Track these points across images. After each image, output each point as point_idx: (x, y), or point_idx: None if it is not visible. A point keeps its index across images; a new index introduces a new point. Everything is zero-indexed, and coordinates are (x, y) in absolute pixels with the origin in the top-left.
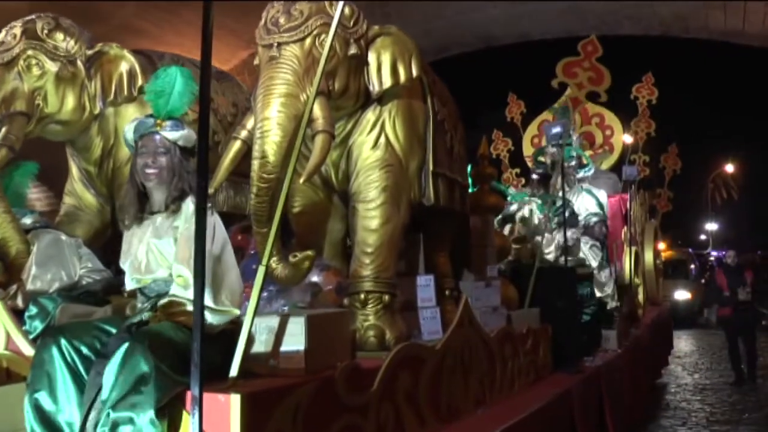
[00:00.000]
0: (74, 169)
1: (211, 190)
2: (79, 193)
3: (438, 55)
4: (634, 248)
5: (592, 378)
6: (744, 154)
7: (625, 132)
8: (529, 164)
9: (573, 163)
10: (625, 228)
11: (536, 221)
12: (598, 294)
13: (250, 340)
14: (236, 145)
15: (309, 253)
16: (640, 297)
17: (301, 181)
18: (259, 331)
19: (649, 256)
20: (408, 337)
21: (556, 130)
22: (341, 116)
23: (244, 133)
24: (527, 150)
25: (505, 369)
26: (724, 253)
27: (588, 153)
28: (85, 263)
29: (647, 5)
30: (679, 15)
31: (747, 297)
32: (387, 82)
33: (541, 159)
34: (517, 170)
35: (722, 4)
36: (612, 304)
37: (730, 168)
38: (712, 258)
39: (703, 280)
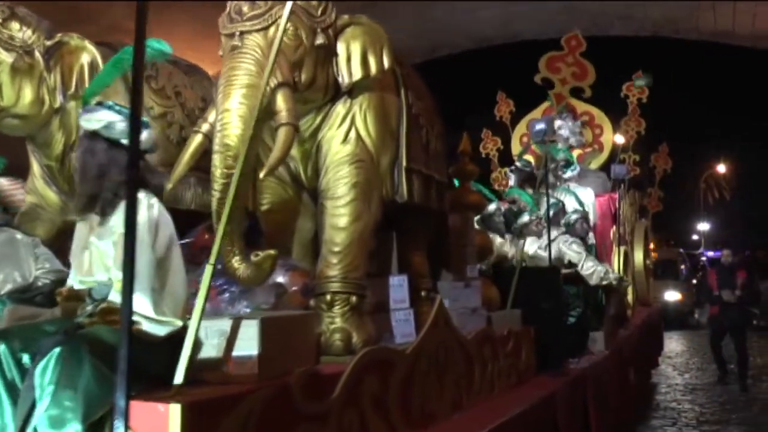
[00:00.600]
0: (35, 166)
1: (169, 186)
2: (41, 190)
3: (428, 56)
4: (623, 248)
5: (578, 380)
6: (736, 154)
7: (615, 131)
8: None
9: (561, 162)
10: (614, 228)
11: (525, 219)
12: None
13: (198, 345)
14: (197, 139)
15: (271, 252)
16: (630, 297)
17: (261, 176)
18: (209, 336)
19: (639, 257)
20: (377, 341)
21: (540, 126)
22: (309, 109)
23: (205, 127)
24: (516, 149)
25: (484, 372)
26: (719, 252)
27: (577, 152)
28: (42, 264)
29: (639, 6)
30: (670, 16)
31: (731, 298)
32: (357, 73)
33: (527, 158)
34: (506, 169)
35: (711, 5)
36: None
37: (722, 168)
38: (704, 258)
39: (694, 281)
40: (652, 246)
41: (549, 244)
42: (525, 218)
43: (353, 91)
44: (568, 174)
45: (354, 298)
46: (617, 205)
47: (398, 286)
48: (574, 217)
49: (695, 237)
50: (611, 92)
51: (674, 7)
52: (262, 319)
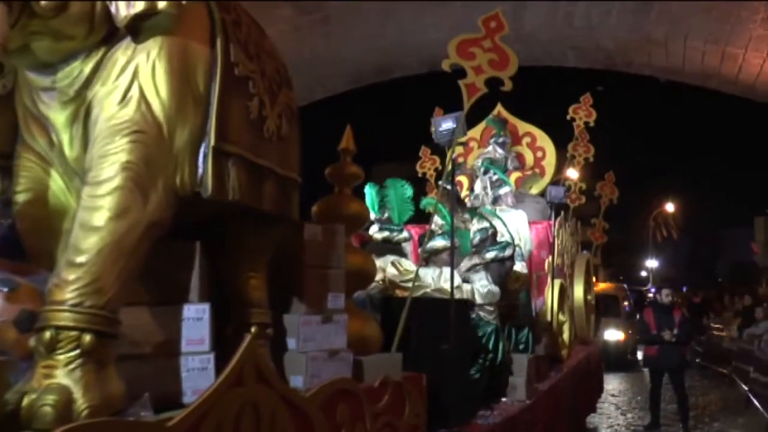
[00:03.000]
0: None
1: None
2: None
3: (381, 77)
4: (558, 281)
5: None
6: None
7: (559, 155)
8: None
9: (494, 180)
10: (550, 258)
11: (438, 244)
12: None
13: None
14: None
15: None
16: (566, 336)
17: None
18: None
19: (578, 291)
20: (122, 405)
21: (447, 124)
22: (70, 53)
23: None
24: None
25: None
26: (654, 289)
27: (515, 175)
28: None
29: (591, 37)
30: (623, 49)
31: (671, 338)
32: (138, 4)
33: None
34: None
35: (664, 41)
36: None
37: (670, 207)
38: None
39: (638, 317)
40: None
41: (452, 272)
42: (438, 242)
43: (137, 31)
44: (502, 191)
45: (88, 338)
46: (555, 233)
47: (195, 320)
48: (478, 237)
49: (644, 273)
50: (558, 116)
51: (627, 40)
52: None
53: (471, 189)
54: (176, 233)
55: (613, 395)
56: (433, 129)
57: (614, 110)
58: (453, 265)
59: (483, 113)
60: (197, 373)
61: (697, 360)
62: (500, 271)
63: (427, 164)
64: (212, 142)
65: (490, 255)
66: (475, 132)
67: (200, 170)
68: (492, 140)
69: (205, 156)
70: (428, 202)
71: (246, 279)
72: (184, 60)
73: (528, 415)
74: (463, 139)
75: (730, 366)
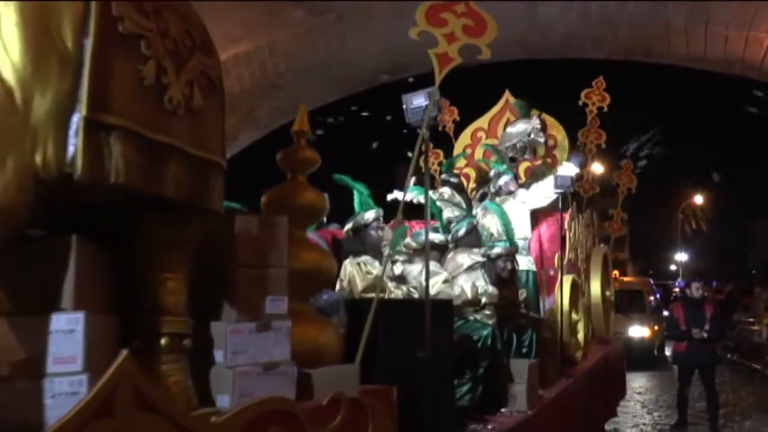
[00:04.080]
0: None
1: None
2: None
3: (396, 76)
4: (570, 277)
5: None
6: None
7: (572, 143)
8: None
9: (502, 170)
10: (560, 252)
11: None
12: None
13: None
14: None
15: None
16: (581, 336)
17: None
18: None
19: (595, 287)
20: None
21: (419, 101)
22: None
23: None
24: (460, 161)
25: None
26: (681, 284)
27: (525, 165)
28: None
29: (609, 28)
30: (642, 40)
31: (701, 335)
32: None
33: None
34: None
35: (684, 29)
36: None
37: (699, 199)
38: (677, 289)
39: (666, 313)
40: (617, 275)
41: (427, 269)
42: (436, 236)
43: None
44: (501, 181)
45: None
46: (567, 226)
47: (65, 332)
48: (462, 229)
49: (673, 267)
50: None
51: (646, 30)
52: None
53: (478, 182)
54: (65, 227)
55: (639, 393)
56: (404, 107)
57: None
58: (428, 262)
59: (488, 101)
60: (66, 399)
61: (728, 355)
62: (505, 265)
63: (431, 159)
64: (85, 112)
65: (497, 250)
66: (483, 121)
67: (71, 147)
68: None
69: (78, 129)
70: (417, 191)
71: (159, 281)
72: (44, 10)
73: (529, 427)
74: (434, 114)
75: (762, 361)
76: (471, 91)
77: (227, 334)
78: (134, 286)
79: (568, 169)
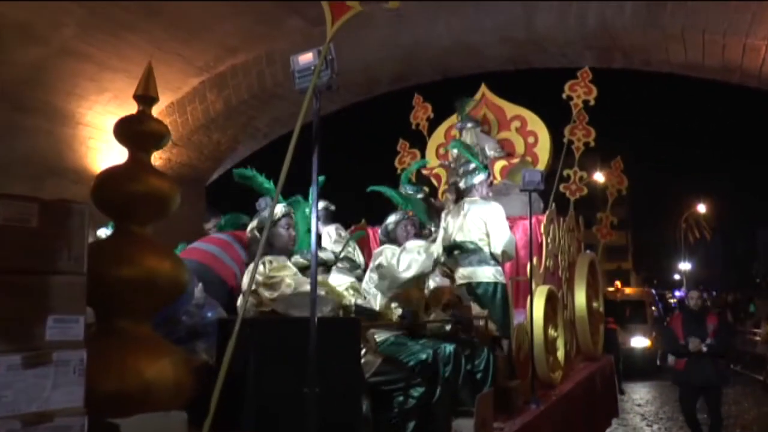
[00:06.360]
0: None
1: None
2: None
3: (396, 84)
4: (545, 288)
5: None
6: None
7: (553, 140)
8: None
9: (470, 167)
10: (536, 259)
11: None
12: None
13: None
14: None
15: None
16: (560, 354)
17: None
18: None
19: (580, 298)
20: None
21: (308, 61)
22: None
23: None
24: (433, 160)
25: None
26: (682, 293)
27: (501, 164)
28: None
29: (607, 36)
30: (640, 47)
31: (698, 348)
32: None
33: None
34: (426, 187)
35: (681, 35)
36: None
37: (701, 208)
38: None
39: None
40: (619, 285)
41: (313, 279)
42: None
43: None
44: (476, 180)
45: None
46: (544, 230)
47: None
48: (392, 221)
49: (677, 276)
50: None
51: (644, 37)
52: None
53: (449, 183)
54: None
55: (638, 405)
56: (291, 70)
57: (643, 109)
58: (315, 271)
59: (466, 94)
60: None
61: (730, 366)
62: (408, 232)
63: (406, 159)
64: None
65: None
66: (455, 118)
67: None
68: (458, 125)
69: None
70: (382, 190)
71: None
72: None
73: None
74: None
75: (764, 371)
76: (446, 85)
77: None
78: None
79: (533, 176)
